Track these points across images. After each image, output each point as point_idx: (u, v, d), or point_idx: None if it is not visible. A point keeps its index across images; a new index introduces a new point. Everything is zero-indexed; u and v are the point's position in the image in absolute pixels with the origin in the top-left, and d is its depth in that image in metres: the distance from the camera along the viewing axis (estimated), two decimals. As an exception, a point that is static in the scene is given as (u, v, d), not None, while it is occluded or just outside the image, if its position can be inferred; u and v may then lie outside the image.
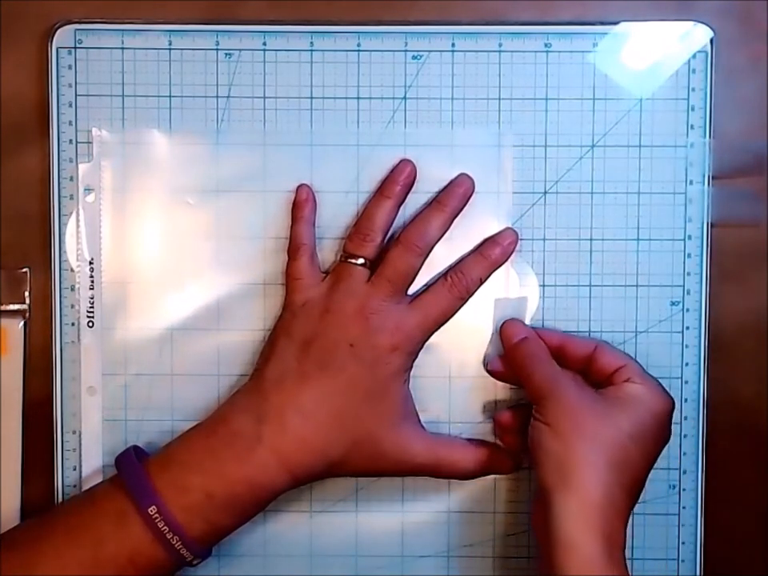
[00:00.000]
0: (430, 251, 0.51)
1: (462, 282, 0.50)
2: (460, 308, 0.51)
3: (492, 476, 0.53)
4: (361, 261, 0.50)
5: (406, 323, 0.49)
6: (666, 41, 0.52)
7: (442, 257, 0.52)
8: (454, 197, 0.51)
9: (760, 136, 0.53)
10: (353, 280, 0.49)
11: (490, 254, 0.51)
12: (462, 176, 0.52)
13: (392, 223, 0.51)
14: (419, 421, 0.51)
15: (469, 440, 0.53)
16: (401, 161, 0.52)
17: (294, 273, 0.51)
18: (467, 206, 0.52)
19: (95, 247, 0.53)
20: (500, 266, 0.52)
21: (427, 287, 0.51)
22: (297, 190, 0.52)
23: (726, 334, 0.53)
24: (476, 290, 0.51)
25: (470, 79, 0.52)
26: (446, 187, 0.52)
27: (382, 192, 0.51)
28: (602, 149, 0.52)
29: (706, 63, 0.52)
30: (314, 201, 0.52)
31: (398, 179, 0.51)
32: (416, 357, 0.51)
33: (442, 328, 0.52)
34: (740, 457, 0.54)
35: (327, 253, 0.52)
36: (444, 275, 0.51)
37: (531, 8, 0.52)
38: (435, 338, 0.52)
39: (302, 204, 0.52)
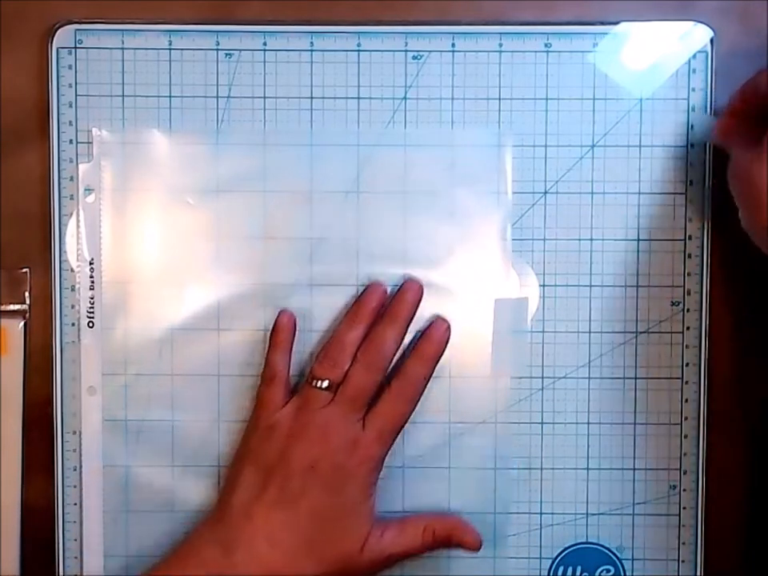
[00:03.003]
0: (391, 363, 0.50)
1: (407, 387, 0.50)
2: (415, 408, 0.50)
3: (493, 474, 0.53)
4: (326, 384, 0.49)
5: (363, 440, 0.49)
6: (666, 41, 0.52)
7: (441, 257, 0.52)
8: (405, 306, 0.51)
9: (760, 136, 0.53)
10: (316, 402, 0.49)
11: (425, 350, 0.51)
12: (409, 282, 0.51)
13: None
14: (377, 517, 0.50)
15: (433, 517, 0.52)
16: (371, 284, 0.52)
17: (265, 397, 0.50)
18: (467, 206, 0.52)
19: (95, 247, 0.53)
20: (440, 357, 0.51)
21: (377, 397, 0.50)
22: (279, 314, 0.52)
23: (726, 334, 0.53)
24: (424, 389, 0.51)
25: (470, 79, 0.52)
26: (395, 296, 0.51)
27: (353, 318, 0.51)
28: (602, 149, 0.52)
29: (706, 63, 0.52)
30: (295, 327, 0.52)
31: (370, 305, 0.51)
32: (380, 469, 0.50)
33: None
34: (740, 457, 0.54)
35: (328, 253, 0.52)
36: (388, 384, 0.50)
37: (531, 8, 0.52)
38: (435, 338, 0.52)
39: (281, 329, 0.51)
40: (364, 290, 0.52)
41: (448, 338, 0.51)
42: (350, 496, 0.49)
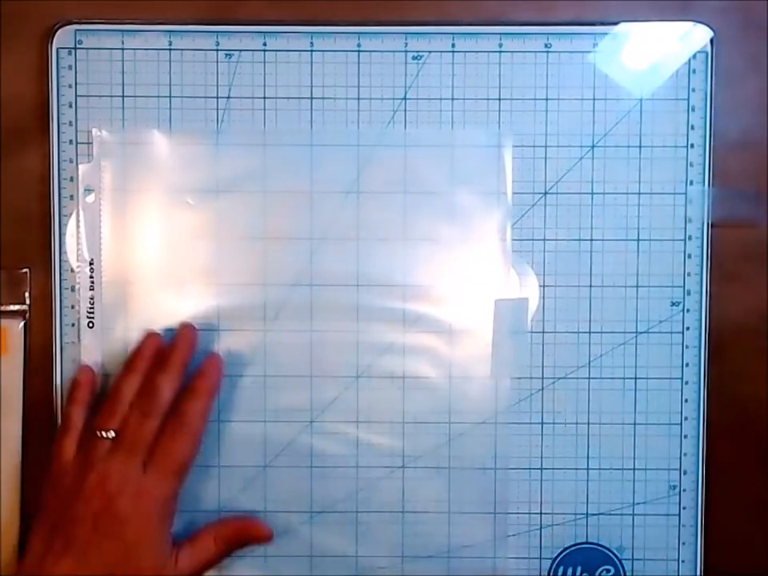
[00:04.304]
0: (166, 407, 0.50)
1: (183, 425, 0.50)
2: (198, 444, 0.50)
3: (492, 474, 0.53)
4: (107, 434, 0.49)
5: (145, 484, 0.49)
6: (666, 41, 0.52)
7: (441, 257, 0.52)
8: (179, 353, 0.51)
9: (760, 136, 0.53)
10: (97, 452, 0.49)
11: (197, 386, 0.50)
12: (183, 329, 0.52)
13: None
14: (174, 539, 0.51)
15: (220, 524, 0.52)
16: (146, 334, 0.52)
17: (56, 450, 0.50)
18: (467, 206, 0.52)
19: (95, 247, 0.53)
20: (215, 392, 0.51)
21: (156, 435, 0.50)
22: (79, 370, 0.52)
23: (726, 334, 0.53)
24: (204, 424, 0.50)
25: (470, 79, 0.52)
26: (170, 343, 0.52)
27: (129, 368, 0.51)
28: (602, 149, 0.52)
29: (706, 63, 0.52)
30: (95, 384, 0.52)
31: (145, 354, 0.51)
32: (172, 508, 0.50)
33: (441, 330, 0.52)
34: (740, 457, 0.54)
35: (328, 253, 0.52)
36: (165, 421, 0.50)
37: (531, 8, 0.52)
38: (435, 339, 0.52)
39: (81, 386, 0.52)
40: (140, 340, 0.52)
41: (221, 373, 0.52)
42: (139, 538, 0.48)
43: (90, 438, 0.50)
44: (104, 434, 0.49)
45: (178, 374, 0.51)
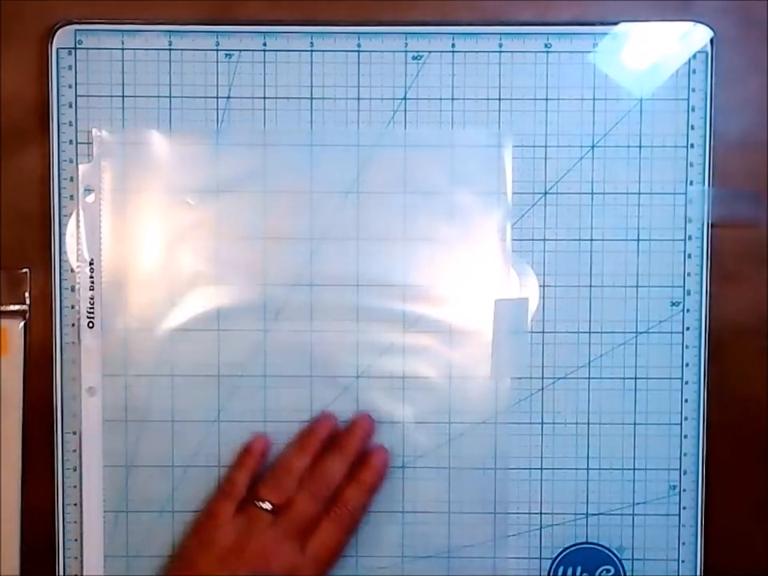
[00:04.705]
0: (334, 491, 0.50)
1: (346, 516, 0.50)
2: (353, 534, 0.51)
3: (492, 474, 0.53)
4: (269, 506, 0.50)
5: (303, 567, 0.49)
6: (665, 41, 0.52)
7: (441, 257, 0.52)
8: (354, 441, 0.51)
9: (760, 136, 0.53)
10: (259, 522, 0.49)
11: (366, 479, 0.51)
12: (361, 417, 0.52)
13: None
14: None
15: None
16: (322, 415, 0.52)
17: (215, 509, 0.51)
18: (467, 206, 0.52)
19: (95, 247, 0.53)
20: (379, 486, 0.52)
21: (316, 525, 0.50)
22: (254, 438, 0.52)
23: (726, 334, 0.53)
24: (362, 518, 0.51)
25: (470, 79, 0.52)
26: (347, 428, 0.52)
27: (303, 445, 0.51)
28: (602, 149, 0.52)
29: (706, 63, 0.52)
30: (266, 453, 0.52)
31: (320, 435, 0.51)
32: None
33: (441, 330, 0.52)
34: (740, 457, 0.54)
35: (328, 253, 0.53)
36: (327, 510, 0.50)
37: (531, 8, 0.52)
38: (435, 339, 0.52)
39: (253, 453, 0.52)
40: (315, 419, 0.52)
41: (386, 468, 0.52)
42: None
43: (251, 505, 0.50)
44: (264, 504, 0.50)
45: (350, 461, 0.51)
